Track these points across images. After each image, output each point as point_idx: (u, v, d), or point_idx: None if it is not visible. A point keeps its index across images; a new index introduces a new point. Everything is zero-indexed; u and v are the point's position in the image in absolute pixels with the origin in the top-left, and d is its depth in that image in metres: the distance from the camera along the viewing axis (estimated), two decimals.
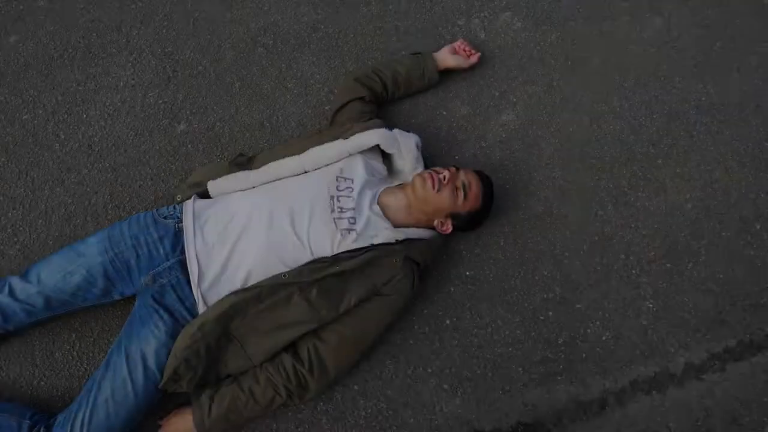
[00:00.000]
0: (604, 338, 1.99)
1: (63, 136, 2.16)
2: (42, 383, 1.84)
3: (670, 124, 2.30)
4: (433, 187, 1.82)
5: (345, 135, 1.95)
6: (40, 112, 2.19)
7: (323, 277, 1.72)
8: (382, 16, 2.44)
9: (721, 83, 2.37)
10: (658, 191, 2.19)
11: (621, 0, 2.50)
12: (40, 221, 2.03)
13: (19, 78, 2.24)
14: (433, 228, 1.92)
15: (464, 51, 2.30)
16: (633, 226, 2.14)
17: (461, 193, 1.85)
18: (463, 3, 2.48)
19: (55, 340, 1.88)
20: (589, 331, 2.00)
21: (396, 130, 1.98)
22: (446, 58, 2.26)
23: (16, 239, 2.00)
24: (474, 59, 2.29)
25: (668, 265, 2.09)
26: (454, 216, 1.88)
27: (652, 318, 2.02)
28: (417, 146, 1.98)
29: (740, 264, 2.10)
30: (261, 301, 1.70)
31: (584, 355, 1.97)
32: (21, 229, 2.01)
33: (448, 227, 1.90)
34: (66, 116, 2.19)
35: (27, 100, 2.21)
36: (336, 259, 1.73)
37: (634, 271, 2.08)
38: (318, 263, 1.72)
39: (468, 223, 1.93)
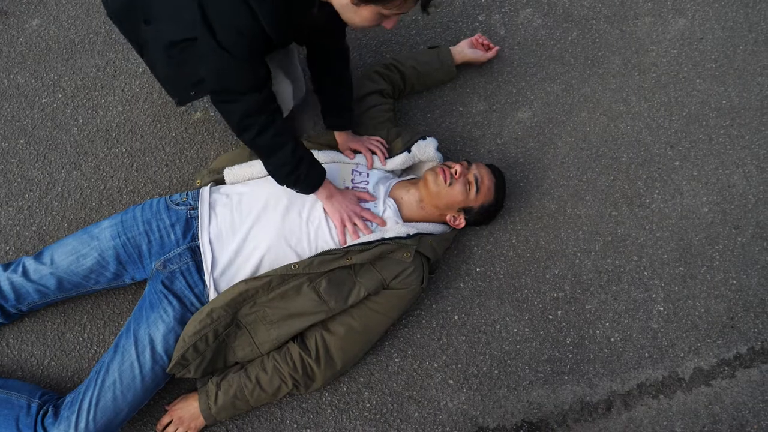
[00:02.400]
0: (612, 340, 1.98)
1: (81, 121, 2.18)
2: (52, 363, 1.86)
3: (689, 127, 2.27)
4: (445, 181, 1.82)
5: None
6: (60, 95, 2.22)
7: (333, 269, 1.73)
8: None
9: (742, 87, 2.34)
10: (674, 194, 2.17)
11: (644, 0, 2.48)
12: (56, 203, 2.05)
13: (39, 61, 2.27)
14: (444, 223, 1.92)
15: (482, 45, 2.28)
16: (647, 228, 2.12)
17: (473, 187, 1.84)
18: None
19: (67, 321, 1.90)
20: (598, 332, 1.99)
21: (414, 149, 1.97)
22: (464, 51, 2.25)
23: (32, 221, 2.02)
24: (492, 53, 2.27)
25: (681, 268, 2.07)
26: (466, 210, 1.88)
27: (662, 321, 2.00)
28: (436, 150, 1.98)
29: (754, 270, 2.07)
30: (271, 290, 1.71)
31: (592, 356, 1.96)
32: (37, 210, 2.04)
33: (461, 222, 1.90)
34: (85, 101, 2.21)
35: (47, 84, 2.23)
36: (347, 251, 1.73)
37: (646, 274, 2.06)
38: (329, 255, 1.72)
39: (480, 217, 1.92)
